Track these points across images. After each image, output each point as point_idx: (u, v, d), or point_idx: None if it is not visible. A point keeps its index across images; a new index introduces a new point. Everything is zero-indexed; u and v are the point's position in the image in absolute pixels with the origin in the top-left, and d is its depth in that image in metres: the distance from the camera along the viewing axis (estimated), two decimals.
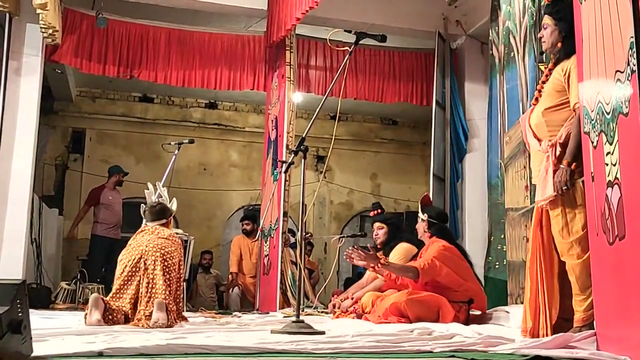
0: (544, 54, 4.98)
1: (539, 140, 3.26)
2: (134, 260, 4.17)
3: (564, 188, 3.04)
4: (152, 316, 3.91)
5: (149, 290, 4.08)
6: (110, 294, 4.19)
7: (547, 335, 2.99)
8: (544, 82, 3.35)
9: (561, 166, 3.07)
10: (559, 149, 3.11)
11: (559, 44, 3.29)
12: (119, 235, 8.40)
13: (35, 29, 6.59)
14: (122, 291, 4.15)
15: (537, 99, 3.36)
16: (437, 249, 4.64)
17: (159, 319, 3.87)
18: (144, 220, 4.68)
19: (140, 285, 4.11)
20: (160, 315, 3.90)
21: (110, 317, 3.99)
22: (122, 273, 4.18)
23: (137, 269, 4.15)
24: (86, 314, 3.99)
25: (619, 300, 2.41)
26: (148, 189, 5.11)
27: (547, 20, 3.39)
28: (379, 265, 4.64)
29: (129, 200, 9.31)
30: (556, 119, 3.19)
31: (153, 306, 3.96)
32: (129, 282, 4.15)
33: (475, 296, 4.64)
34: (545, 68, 3.43)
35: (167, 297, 4.06)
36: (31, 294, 6.51)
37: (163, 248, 4.24)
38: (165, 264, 4.18)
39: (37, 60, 6.91)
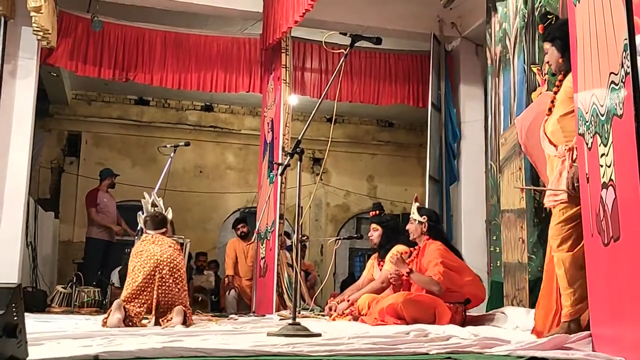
0: (537, 56, 5.00)
1: (555, 146, 3.31)
2: (149, 269, 4.43)
3: (575, 184, 3.08)
4: (173, 320, 4.30)
5: (164, 298, 4.43)
6: (123, 298, 4.38)
7: None
8: (555, 93, 3.43)
9: (574, 164, 3.12)
10: (575, 153, 3.15)
11: (560, 60, 3.41)
12: (114, 238, 8.38)
13: (30, 32, 6.57)
14: (134, 297, 4.38)
15: (550, 109, 3.43)
16: (438, 252, 4.65)
17: (175, 323, 4.26)
18: (144, 229, 4.85)
19: (155, 293, 4.40)
20: (177, 320, 4.30)
21: (129, 323, 4.25)
22: (134, 281, 4.42)
23: (152, 278, 4.43)
24: (105, 318, 4.25)
25: (613, 301, 2.41)
26: (144, 198, 5.23)
27: (545, 45, 3.56)
28: (406, 273, 4.65)
29: (125, 204, 9.31)
30: (571, 125, 3.22)
31: (172, 312, 4.38)
32: (143, 290, 4.41)
33: (474, 288, 4.67)
34: (538, 69, 3.53)
35: (184, 302, 4.47)
36: (27, 297, 6.49)
37: (174, 259, 4.57)
38: (178, 274, 4.54)
39: (32, 63, 6.90)
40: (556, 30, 3.44)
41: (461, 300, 4.61)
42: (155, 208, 5.12)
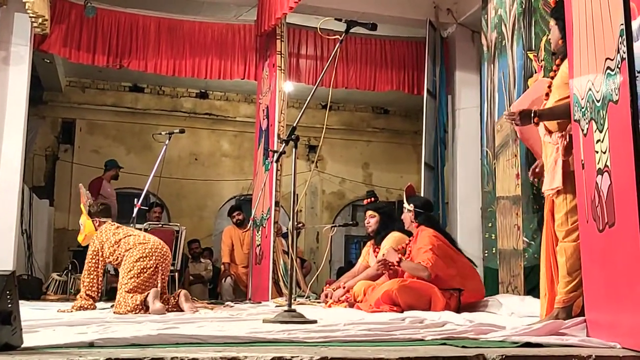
0: (534, 42, 4.99)
1: (550, 132, 3.29)
2: (155, 260, 4.64)
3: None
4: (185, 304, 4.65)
5: (163, 287, 4.68)
6: (131, 286, 4.53)
7: None
8: (552, 78, 3.40)
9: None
10: (567, 139, 3.14)
11: (560, 41, 3.36)
12: None
13: (23, 19, 6.52)
14: (145, 286, 4.56)
15: (547, 94, 3.40)
16: (428, 239, 4.66)
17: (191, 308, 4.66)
18: (97, 218, 5.03)
19: (159, 282, 4.64)
20: (189, 305, 4.68)
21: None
22: (141, 272, 4.59)
23: (157, 268, 4.64)
24: (138, 307, 4.40)
25: (608, 287, 2.42)
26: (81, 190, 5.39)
27: (550, 22, 3.54)
28: (396, 262, 4.68)
29: (121, 191, 9.29)
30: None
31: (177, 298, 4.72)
32: (151, 279, 4.61)
33: (469, 280, 4.67)
34: (534, 56, 3.50)
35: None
36: (22, 285, 6.49)
37: (169, 250, 4.87)
38: (170, 264, 4.91)
39: (25, 50, 6.84)
40: (562, 9, 3.30)
41: (456, 287, 4.62)
42: (90, 200, 5.23)
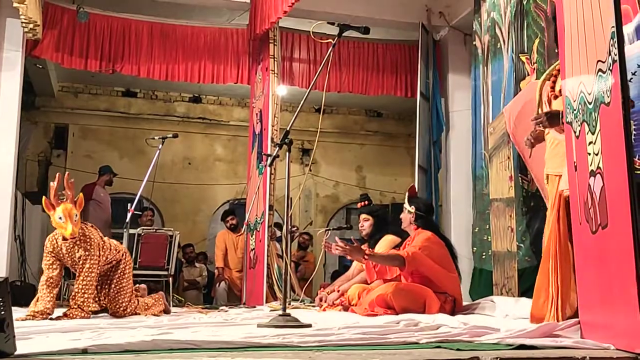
0: (526, 45, 5.00)
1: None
2: None
3: None
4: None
5: None
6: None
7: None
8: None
9: None
10: None
11: None
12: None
13: (15, 24, 6.51)
14: None
15: (556, 97, 3.36)
16: (422, 239, 4.65)
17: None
18: None
19: None
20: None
21: None
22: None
23: None
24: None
25: (602, 288, 2.42)
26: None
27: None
28: (365, 258, 4.61)
29: (114, 196, 9.28)
30: None
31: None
32: None
33: (450, 290, 4.64)
34: (527, 58, 3.48)
35: None
36: (15, 291, 6.45)
37: None
38: None
39: (17, 55, 6.84)
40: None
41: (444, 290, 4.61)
42: None
